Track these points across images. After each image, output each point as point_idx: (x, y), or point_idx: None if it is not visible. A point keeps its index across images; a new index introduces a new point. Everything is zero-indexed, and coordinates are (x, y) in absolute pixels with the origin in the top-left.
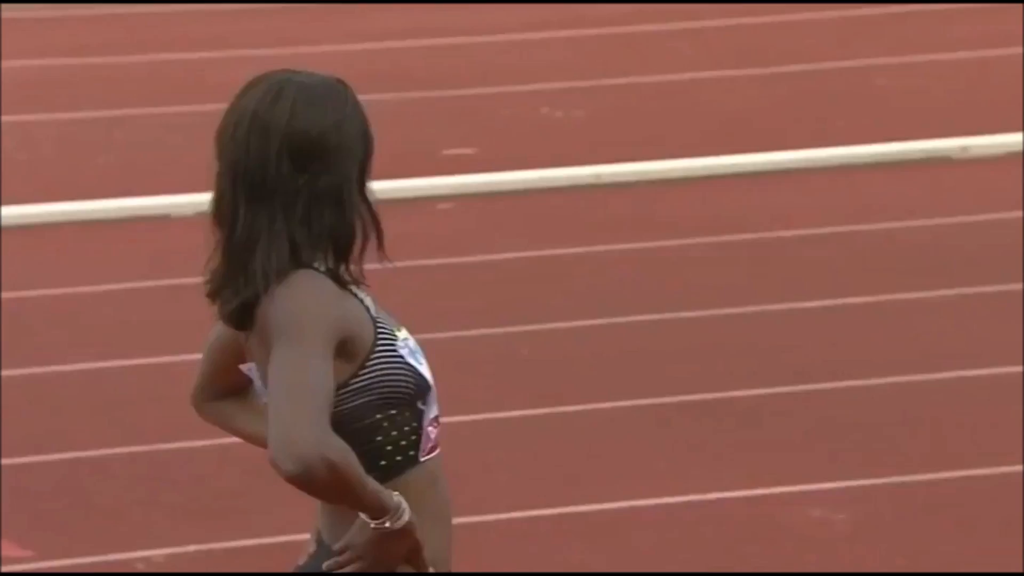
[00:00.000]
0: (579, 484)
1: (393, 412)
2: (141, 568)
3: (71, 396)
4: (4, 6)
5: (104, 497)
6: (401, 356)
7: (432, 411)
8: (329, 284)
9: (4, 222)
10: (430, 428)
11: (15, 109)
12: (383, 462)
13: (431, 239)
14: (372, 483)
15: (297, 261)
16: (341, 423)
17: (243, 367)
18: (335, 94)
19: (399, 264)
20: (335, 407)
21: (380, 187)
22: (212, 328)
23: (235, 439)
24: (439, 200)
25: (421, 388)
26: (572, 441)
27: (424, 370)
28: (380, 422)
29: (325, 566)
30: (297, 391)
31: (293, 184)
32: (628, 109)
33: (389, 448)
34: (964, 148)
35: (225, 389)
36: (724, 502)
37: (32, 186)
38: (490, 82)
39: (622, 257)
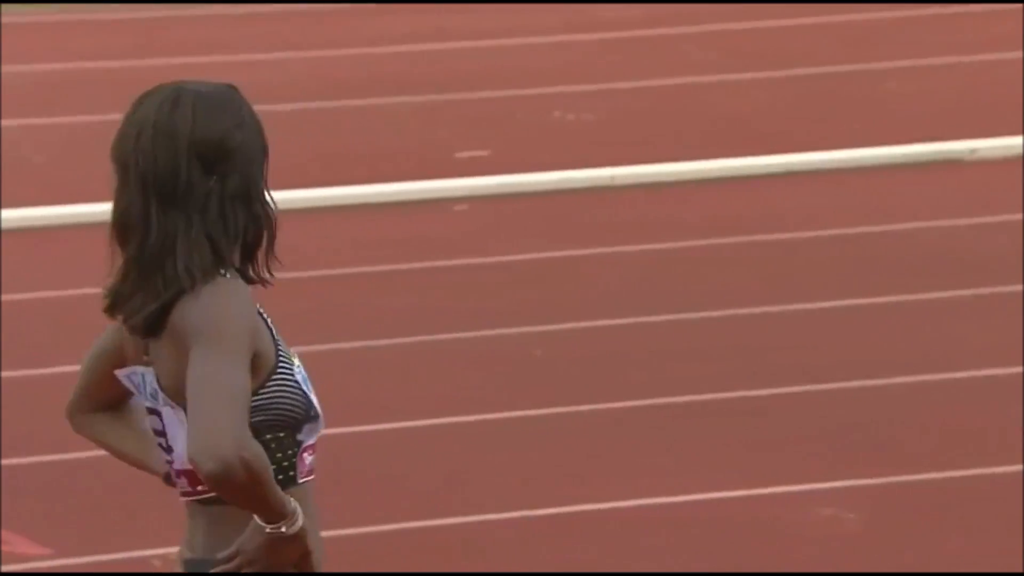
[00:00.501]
0: (589, 483)
1: (281, 435)
2: (158, 565)
3: None
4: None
5: (121, 495)
6: (296, 382)
7: (311, 439)
8: (250, 298)
9: (15, 223)
10: (306, 455)
11: (32, 112)
12: None
13: (447, 240)
14: (277, 487)
15: (220, 260)
16: None
17: (119, 372)
18: (230, 99)
19: (417, 265)
20: None
21: (397, 189)
22: (95, 341)
23: None
24: (455, 202)
25: (308, 416)
26: (585, 440)
27: (314, 399)
28: (268, 443)
29: (215, 571)
30: (219, 392)
31: (204, 187)
32: (640, 112)
33: (273, 467)
34: (973, 150)
35: (102, 402)
36: (733, 501)
37: (49, 187)
38: (504, 85)
39: (635, 258)
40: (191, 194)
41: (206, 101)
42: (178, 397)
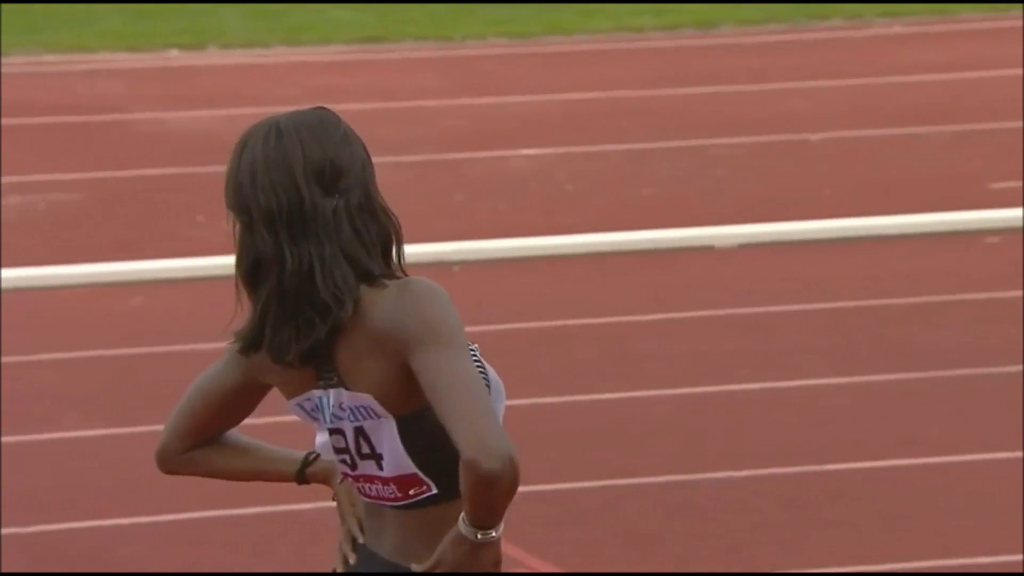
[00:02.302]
0: None
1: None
2: None
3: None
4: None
5: (643, 526)
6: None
7: None
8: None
9: (550, 250)
10: None
11: (564, 141)
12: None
13: (976, 273)
14: None
15: (365, 276)
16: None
17: (292, 402)
18: (326, 119)
19: (940, 298)
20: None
21: (926, 220)
22: (199, 383)
23: None
24: (986, 234)
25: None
26: None
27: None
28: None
29: None
30: (479, 393)
31: (329, 208)
32: None
33: None
34: None
35: (204, 439)
36: None
37: (578, 215)
38: None
39: None
40: (318, 218)
41: (306, 127)
42: (393, 407)
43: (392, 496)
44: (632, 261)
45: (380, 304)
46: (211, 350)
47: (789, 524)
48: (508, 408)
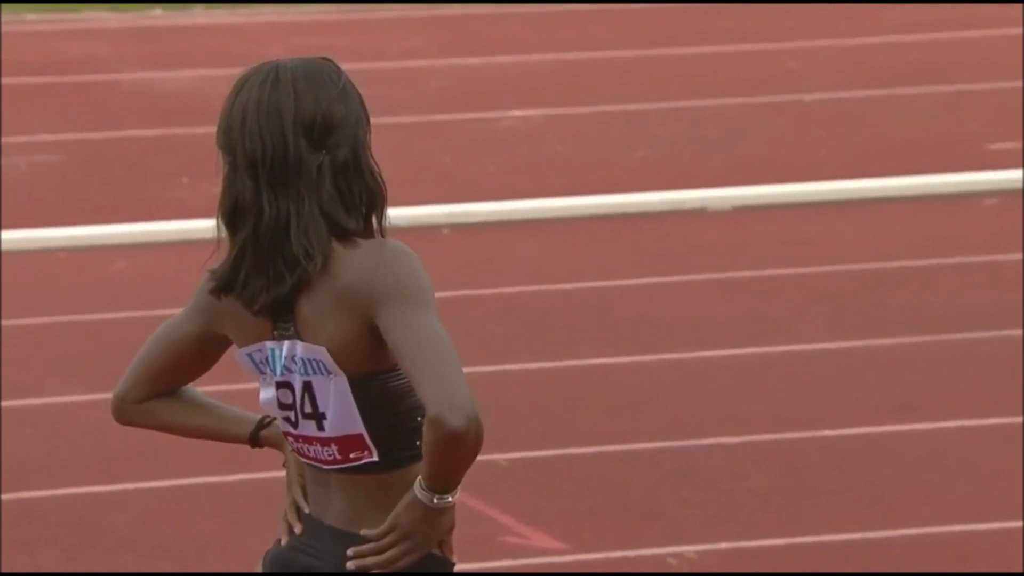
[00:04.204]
0: None
1: (419, 418)
2: (673, 564)
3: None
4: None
5: (636, 493)
6: None
7: None
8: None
9: (541, 213)
10: None
11: (556, 102)
12: (418, 442)
13: (974, 236)
14: None
15: (340, 233)
16: (402, 397)
17: (240, 351)
18: (327, 72)
19: (937, 261)
20: (399, 380)
21: (923, 182)
22: (159, 331)
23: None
24: (984, 196)
25: None
26: None
27: None
28: (420, 421)
29: (352, 556)
30: (448, 352)
31: (314, 162)
32: None
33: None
34: None
35: (163, 389)
36: None
37: (569, 178)
38: None
39: None
40: (301, 171)
41: (305, 77)
42: (347, 365)
43: (331, 459)
44: (624, 224)
45: (350, 262)
46: None
47: (784, 491)
48: (497, 373)
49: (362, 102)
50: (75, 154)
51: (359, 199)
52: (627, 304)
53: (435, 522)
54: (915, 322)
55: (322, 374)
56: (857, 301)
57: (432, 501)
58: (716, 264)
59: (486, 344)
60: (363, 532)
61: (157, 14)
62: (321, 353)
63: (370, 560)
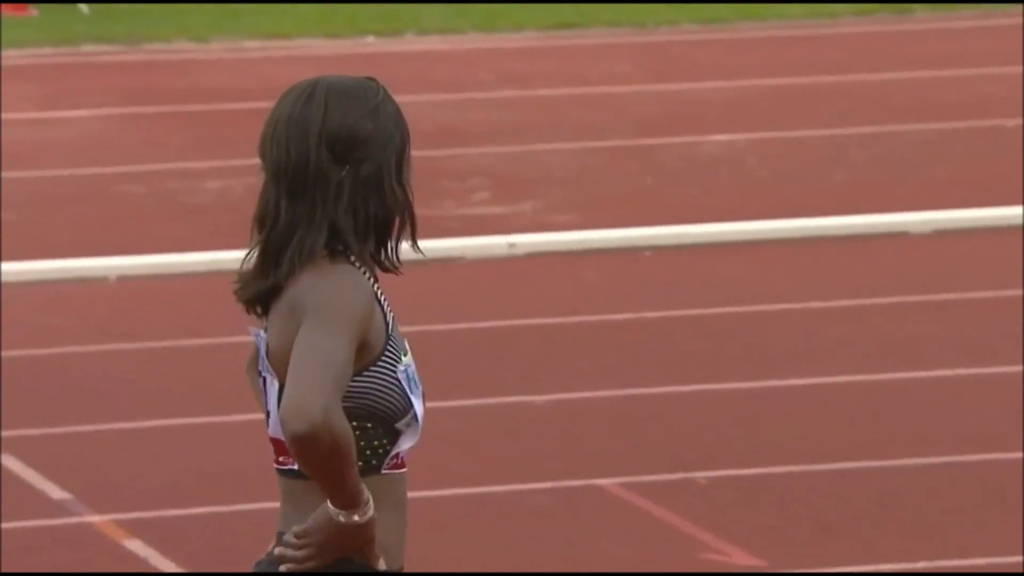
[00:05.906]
0: None
1: (368, 425)
2: None
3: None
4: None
5: (834, 512)
6: (396, 378)
7: (407, 441)
8: (369, 288)
9: (742, 236)
10: (400, 452)
11: (756, 126)
12: None
13: None
14: (356, 472)
15: (341, 247)
16: None
17: (252, 328)
18: (365, 90)
19: None
20: None
21: None
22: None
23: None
24: None
25: (403, 413)
26: None
27: (416, 400)
28: (354, 429)
29: (276, 552)
30: (318, 360)
31: (335, 176)
32: None
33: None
34: None
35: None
36: None
37: (771, 201)
38: None
39: None
40: (320, 183)
41: (339, 93)
42: (279, 367)
43: (273, 459)
44: (825, 247)
45: (306, 276)
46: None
47: (983, 511)
48: (696, 393)
49: (400, 123)
50: None
51: (373, 218)
52: (828, 325)
53: (345, 537)
54: None
55: (269, 374)
56: None
57: (339, 518)
58: (916, 286)
59: (685, 364)
60: (286, 537)
61: (370, 41)
62: (264, 354)
63: (288, 554)
